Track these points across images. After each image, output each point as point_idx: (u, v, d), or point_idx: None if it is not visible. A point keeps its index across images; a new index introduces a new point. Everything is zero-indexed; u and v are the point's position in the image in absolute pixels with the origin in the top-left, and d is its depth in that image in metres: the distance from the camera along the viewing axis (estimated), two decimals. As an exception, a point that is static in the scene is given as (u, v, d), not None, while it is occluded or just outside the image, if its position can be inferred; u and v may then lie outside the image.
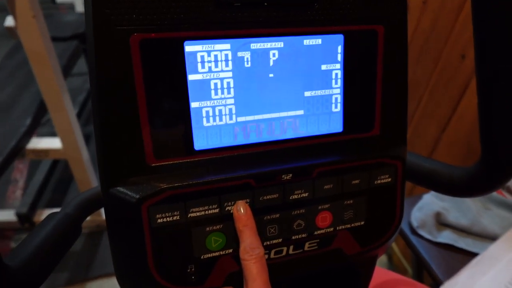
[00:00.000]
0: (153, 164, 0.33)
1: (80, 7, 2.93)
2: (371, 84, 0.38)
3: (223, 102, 0.35)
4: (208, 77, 0.34)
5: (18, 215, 1.48)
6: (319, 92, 0.37)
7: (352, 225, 0.39)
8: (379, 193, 0.39)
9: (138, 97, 0.32)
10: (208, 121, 0.35)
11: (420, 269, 0.81)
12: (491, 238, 0.73)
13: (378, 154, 0.38)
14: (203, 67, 0.33)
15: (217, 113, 0.35)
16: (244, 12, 0.33)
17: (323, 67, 0.37)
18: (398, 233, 0.45)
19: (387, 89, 0.38)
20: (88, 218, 0.42)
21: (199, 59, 0.33)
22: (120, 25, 0.30)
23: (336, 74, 0.37)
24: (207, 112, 0.35)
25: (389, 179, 0.39)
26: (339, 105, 0.38)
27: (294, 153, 0.37)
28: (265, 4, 0.33)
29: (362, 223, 0.40)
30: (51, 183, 1.77)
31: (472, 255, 0.71)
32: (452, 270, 0.69)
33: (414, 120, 1.17)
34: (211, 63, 0.33)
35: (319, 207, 0.38)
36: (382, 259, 1.45)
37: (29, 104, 1.41)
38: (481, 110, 0.36)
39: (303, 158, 0.37)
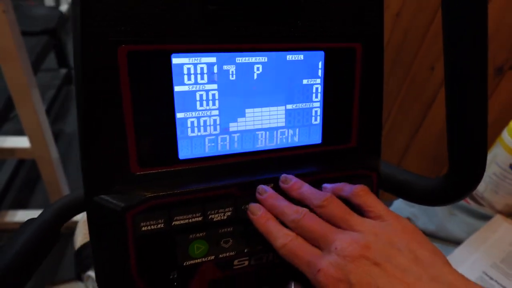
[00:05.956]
0: (138, 173, 0.34)
1: (49, 0, 2.83)
2: (349, 99, 0.40)
3: (208, 113, 0.36)
4: (193, 89, 0.35)
5: (-20, 216, 1.42)
6: (300, 105, 0.39)
7: (329, 233, 0.41)
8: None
9: (124, 107, 0.32)
10: (193, 131, 0.35)
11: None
12: (456, 242, 0.77)
13: (355, 166, 0.40)
14: (189, 79, 0.34)
15: (201, 123, 0.36)
16: (230, 27, 0.34)
17: (305, 81, 0.38)
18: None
19: (363, 103, 0.40)
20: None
21: (185, 71, 0.34)
22: (108, 36, 0.30)
23: (317, 89, 0.39)
24: (192, 122, 0.35)
25: (364, 190, 0.41)
26: (318, 118, 0.40)
27: (275, 163, 0.39)
28: (251, 19, 0.34)
29: (338, 231, 0.41)
30: (16, 183, 1.71)
31: (437, 259, 0.74)
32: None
33: (385, 129, 1.22)
34: (197, 75, 0.34)
35: None
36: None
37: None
38: (449, 126, 0.39)
39: (284, 168, 0.38)
